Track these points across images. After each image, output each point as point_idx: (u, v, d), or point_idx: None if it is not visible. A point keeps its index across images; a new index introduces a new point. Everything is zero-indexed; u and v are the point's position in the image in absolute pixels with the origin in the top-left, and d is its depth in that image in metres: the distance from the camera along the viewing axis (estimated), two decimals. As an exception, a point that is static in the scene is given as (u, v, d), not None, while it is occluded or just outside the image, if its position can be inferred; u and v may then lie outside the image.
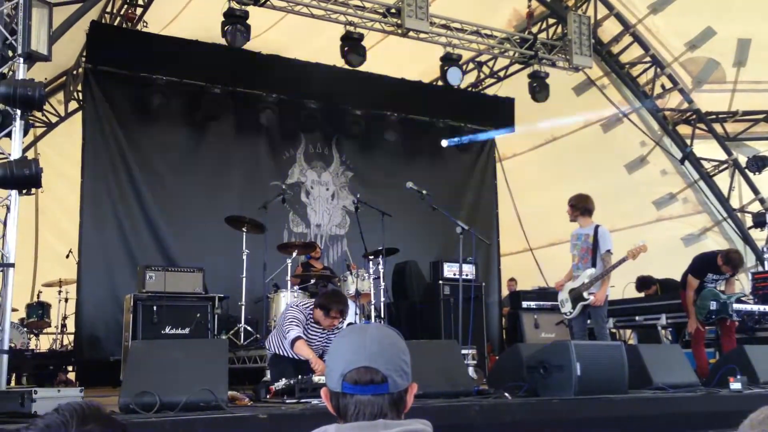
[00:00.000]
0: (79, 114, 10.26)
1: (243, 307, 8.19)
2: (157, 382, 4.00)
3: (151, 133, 9.75)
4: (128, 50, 9.32)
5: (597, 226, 7.09)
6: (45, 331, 10.15)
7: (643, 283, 10.03)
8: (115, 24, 9.80)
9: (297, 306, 5.83)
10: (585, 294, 6.92)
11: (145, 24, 9.66)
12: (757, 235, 10.93)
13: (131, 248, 9.23)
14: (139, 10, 9.53)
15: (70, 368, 9.54)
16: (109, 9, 9.79)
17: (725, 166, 11.42)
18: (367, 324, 1.61)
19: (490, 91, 12.41)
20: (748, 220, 11.15)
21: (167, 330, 7.60)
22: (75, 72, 10.82)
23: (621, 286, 10.01)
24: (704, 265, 7.75)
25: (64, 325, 10.16)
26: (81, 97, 10.38)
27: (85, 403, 1.32)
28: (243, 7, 8.48)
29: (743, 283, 9.75)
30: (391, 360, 1.54)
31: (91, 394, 5.66)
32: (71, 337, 10.06)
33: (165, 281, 7.73)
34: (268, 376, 6.56)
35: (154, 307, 7.57)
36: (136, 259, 9.01)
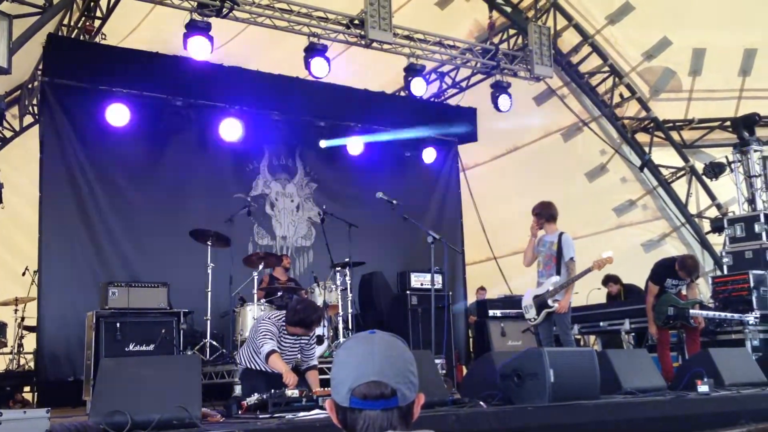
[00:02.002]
0: (35, 128, 10.02)
1: (209, 322, 8.06)
2: (127, 400, 3.89)
3: (111, 147, 9.54)
4: (86, 63, 9.13)
5: (561, 234, 7.16)
6: (1, 351, 9.86)
7: (607, 278, 10.18)
8: (73, 36, 9.60)
9: (269, 318, 5.76)
10: (549, 301, 6.99)
11: (103, 36, 9.47)
12: (715, 239, 11.17)
13: (93, 264, 9.01)
14: (97, 23, 9.33)
15: (27, 389, 9.27)
16: (66, 21, 9.59)
17: (683, 172, 11.68)
18: (373, 333, 1.55)
19: (452, 101, 12.49)
20: (706, 226, 11.40)
21: (131, 347, 7.43)
22: (30, 85, 10.58)
23: (585, 293, 10.15)
24: (663, 271, 7.91)
25: (20, 345, 9.88)
26: (37, 111, 10.13)
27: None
28: (205, 19, 8.39)
29: (702, 287, 9.95)
30: (399, 372, 1.51)
31: (53, 415, 5.48)
32: (28, 357, 9.79)
33: (128, 297, 7.56)
34: (238, 391, 6.46)
35: (118, 324, 7.39)
36: (98, 275, 8.80)
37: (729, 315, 8.03)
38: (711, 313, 8.12)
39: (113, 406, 3.81)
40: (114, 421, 3.74)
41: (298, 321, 5.60)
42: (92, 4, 9.05)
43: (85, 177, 9.19)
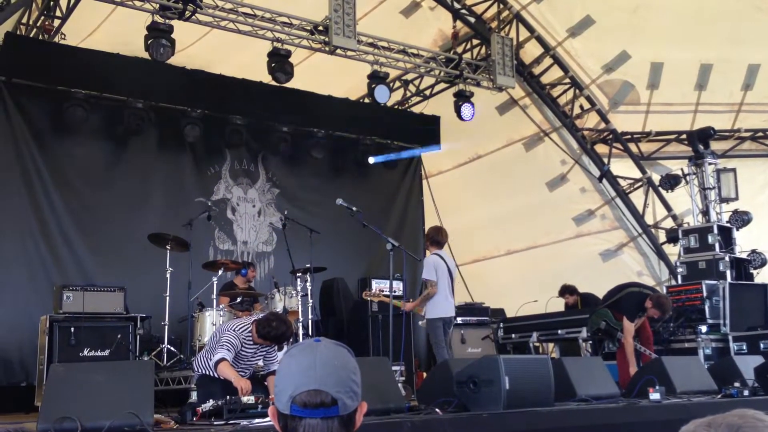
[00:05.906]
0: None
1: (166, 327, 7.97)
2: (78, 406, 3.83)
3: (69, 148, 9.40)
4: (45, 63, 9.00)
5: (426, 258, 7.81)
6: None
7: (564, 289, 10.31)
8: (31, 36, 9.44)
9: (234, 329, 5.70)
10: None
11: (63, 36, 9.33)
12: (670, 250, 11.38)
13: (48, 268, 8.85)
14: (57, 22, 9.19)
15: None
16: (24, 20, 9.41)
17: (640, 184, 11.88)
18: (318, 342, 1.55)
19: (416, 109, 12.54)
20: (662, 236, 11.62)
21: (85, 352, 7.33)
22: (-14, 84, 10.34)
23: (544, 302, 10.28)
24: (635, 308, 7.98)
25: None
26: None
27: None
28: (167, 21, 8.32)
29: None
30: (341, 381, 1.51)
31: (3, 422, 5.38)
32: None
33: (83, 301, 7.47)
34: (194, 397, 6.41)
35: (72, 329, 7.29)
36: (54, 279, 8.65)
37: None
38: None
39: (62, 412, 3.75)
40: (63, 428, 3.68)
41: (274, 337, 5.62)
42: (51, 3, 8.91)
43: (41, 179, 9.04)
